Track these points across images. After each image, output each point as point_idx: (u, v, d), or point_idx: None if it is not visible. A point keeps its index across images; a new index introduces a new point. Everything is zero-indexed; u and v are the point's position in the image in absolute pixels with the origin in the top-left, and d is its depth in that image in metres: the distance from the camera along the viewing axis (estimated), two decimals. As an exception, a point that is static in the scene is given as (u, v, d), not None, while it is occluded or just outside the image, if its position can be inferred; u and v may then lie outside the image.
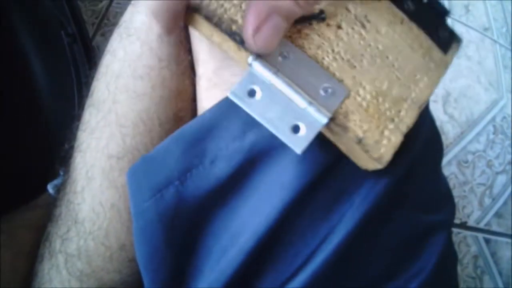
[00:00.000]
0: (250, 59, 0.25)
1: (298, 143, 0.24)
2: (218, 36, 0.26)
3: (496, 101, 0.92)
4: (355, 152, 0.27)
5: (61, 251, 0.35)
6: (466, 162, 0.85)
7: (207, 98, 0.33)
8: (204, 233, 0.29)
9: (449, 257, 0.35)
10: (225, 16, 0.26)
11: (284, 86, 0.25)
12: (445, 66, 0.31)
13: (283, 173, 0.28)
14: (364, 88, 0.27)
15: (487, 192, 0.86)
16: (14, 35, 0.52)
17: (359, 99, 0.27)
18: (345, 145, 0.27)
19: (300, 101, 0.25)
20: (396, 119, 0.27)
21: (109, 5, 0.72)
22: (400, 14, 0.30)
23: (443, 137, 0.83)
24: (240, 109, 0.25)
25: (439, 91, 0.86)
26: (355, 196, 0.28)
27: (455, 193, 0.83)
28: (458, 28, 0.94)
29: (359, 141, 0.26)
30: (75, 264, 0.34)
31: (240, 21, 0.26)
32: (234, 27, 0.26)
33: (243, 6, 0.26)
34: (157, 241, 0.29)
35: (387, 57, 0.28)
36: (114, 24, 0.40)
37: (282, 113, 0.25)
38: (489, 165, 0.88)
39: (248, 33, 0.23)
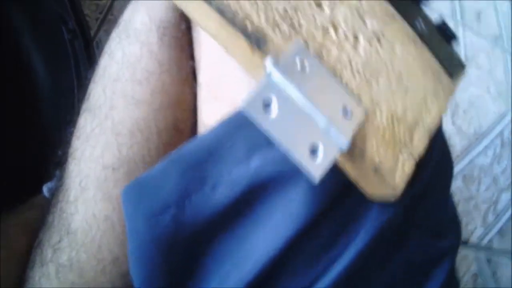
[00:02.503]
0: (269, 65, 0.22)
1: (315, 169, 0.22)
2: (228, 34, 0.23)
3: (504, 114, 0.90)
4: (368, 179, 0.24)
5: (53, 261, 0.34)
6: (472, 176, 0.82)
7: (206, 112, 0.31)
8: (204, 258, 0.28)
9: (452, 284, 0.35)
10: (240, 12, 0.23)
11: (304, 102, 0.22)
12: (451, 91, 0.30)
13: (291, 203, 0.26)
14: (381, 110, 0.25)
15: (491, 208, 0.84)
16: (14, 30, 0.50)
17: (376, 122, 0.25)
18: (358, 171, 0.24)
19: (320, 121, 0.22)
20: (410, 146, 0.26)
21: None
22: (413, 35, 0.30)
23: (451, 150, 0.80)
24: (245, 130, 0.23)
25: (448, 101, 0.83)
26: (361, 225, 0.27)
27: (459, 208, 0.80)
28: (469, 36, 0.90)
29: (376, 169, 0.24)
30: (66, 276, 0.33)
31: (256, 19, 0.23)
32: (249, 26, 0.23)
33: (260, 3, 0.24)
34: (152, 265, 0.27)
35: (402, 79, 0.27)
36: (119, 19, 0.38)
37: (300, 133, 0.22)
38: (494, 181, 0.85)
39: None
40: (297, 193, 0.26)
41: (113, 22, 0.37)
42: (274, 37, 0.23)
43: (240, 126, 0.26)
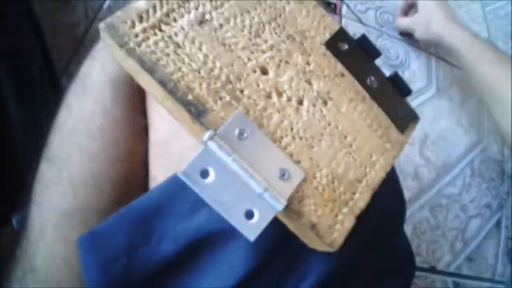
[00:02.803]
0: (206, 137, 0.23)
1: (251, 230, 0.23)
2: (171, 104, 0.25)
3: (476, 143, 0.92)
4: (307, 235, 0.26)
5: None
6: (440, 206, 0.85)
7: (156, 166, 0.33)
8: None
9: None
10: (182, 82, 0.24)
11: (240, 170, 0.23)
12: (400, 146, 0.30)
13: (232, 255, 0.28)
14: (321, 171, 0.26)
15: (459, 236, 0.86)
16: None
17: (315, 183, 0.26)
18: (297, 228, 0.26)
19: (255, 186, 0.24)
20: (350, 203, 0.27)
21: (87, 31, 0.71)
22: (363, 91, 0.30)
23: (417, 182, 0.82)
24: (190, 189, 0.23)
25: (417, 134, 0.85)
26: (304, 273, 0.28)
27: (426, 237, 0.82)
28: (442, 67, 0.93)
29: (313, 227, 0.25)
30: None
31: (197, 89, 0.25)
32: (190, 97, 0.24)
33: (202, 72, 0.25)
34: None
35: (346, 138, 0.28)
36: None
37: (236, 198, 0.24)
38: (463, 209, 0.87)
39: None
40: (238, 246, 0.28)
41: (86, 53, 0.39)
42: (215, 107, 0.24)
43: (184, 184, 0.28)
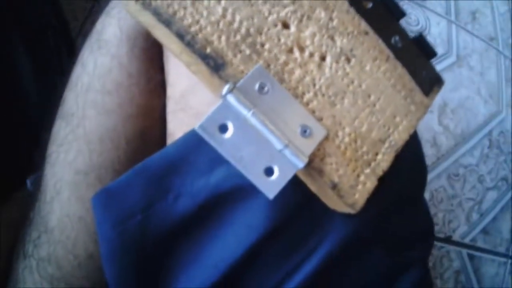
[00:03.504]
0: (225, 90, 0.22)
1: (270, 188, 0.23)
2: (188, 57, 0.24)
3: (494, 115, 0.90)
4: (328, 195, 0.25)
5: (33, 255, 0.35)
6: (457, 175, 0.83)
7: (173, 122, 0.32)
8: (170, 263, 0.29)
9: None
10: (200, 35, 0.24)
11: (259, 125, 0.23)
12: (425, 109, 0.30)
13: (252, 215, 0.27)
14: (343, 129, 0.26)
15: (476, 207, 0.85)
16: (3, 32, 0.50)
17: (337, 141, 0.25)
18: (317, 187, 0.25)
19: (276, 142, 0.23)
20: (373, 163, 0.26)
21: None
22: (387, 50, 0.29)
23: (435, 149, 0.81)
24: (209, 144, 0.23)
25: (436, 101, 0.83)
26: (326, 234, 0.28)
27: (442, 206, 0.81)
28: (462, 36, 0.91)
29: (334, 186, 0.24)
30: (46, 269, 0.35)
31: (216, 42, 0.24)
32: (208, 50, 0.23)
33: (221, 25, 0.24)
34: (122, 268, 0.29)
35: (369, 97, 0.27)
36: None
37: (255, 154, 0.23)
38: (480, 180, 0.86)
39: None
40: (257, 205, 0.27)
41: (100, 11, 0.38)
42: (234, 60, 0.24)
43: (203, 139, 0.27)
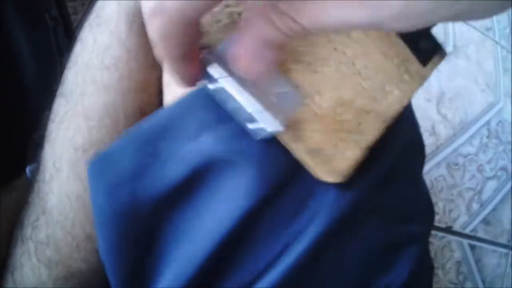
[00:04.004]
0: (204, 55, 0.23)
1: (256, 133, 0.23)
2: None
3: (492, 104, 0.90)
4: (309, 162, 0.25)
5: (31, 238, 0.35)
6: (457, 164, 0.83)
7: (167, 94, 0.32)
8: (162, 233, 0.29)
9: (423, 272, 0.34)
10: None
11: (234, 92, 0.23)
12: (421, 79, 0.28)
13: (243, 180, 0.26)
14: (322, 96, 0.25)
15: (476, 197, 0.84)
16: (0, 16, 0.50)
17: (315, 107, 0.25)
18: (299, 153, 0.25)
19: (251, 108, 0.23)
20: (355, 133, 0.25)
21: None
22: None
23: (434, 138, 0.80)
24: (196, 110, 0.24)
25: (434, 90, 0.83)
26: (320, 205, 0.27)
27: (442, 195, 0.81)
28: (459, 26, 0.91)
29: (311, 151, 0.24)
30: (44, 252, 0.35)
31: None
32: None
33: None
34: (114, 237, 0.28)
35: (354, 64, 0.26)
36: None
37: (237, 111, 0.23)
38: (479, 169, 0.85)
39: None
40: (246, 170, 0.26)
41: None
42: (211, 30, 0.24)
43: (192, 105, 0.27)
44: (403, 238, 0.32)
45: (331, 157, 0.25)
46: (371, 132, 0.26)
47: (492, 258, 0.85)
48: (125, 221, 0.28)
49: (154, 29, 0.18)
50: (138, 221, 0.28)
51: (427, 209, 0.37)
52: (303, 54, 0.25)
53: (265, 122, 0.23)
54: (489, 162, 0.86)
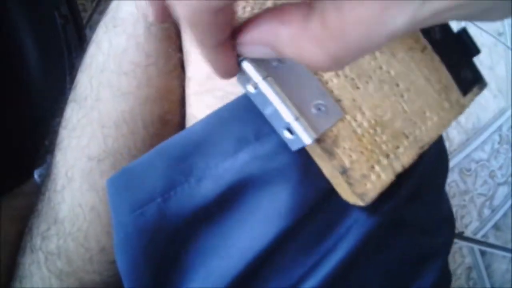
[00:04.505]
0: (240, 58, 0.22)
1: (293, 143, 0.23)
2: None
3: (504, 110, 0.89)
4: (338, 181, 0.24)
5: (41, 249, 0.34)
6: (469, 170, 0.82)
7: (197, 105, 0.30)
8: (188, 251, 0.28)
9: (444, 280, 0.34)
10: None
11: (271, 94, 0.22)
12: (460, 108, 0.28)
13: (278, 200, 0.26)
14: (363, 113, 0.24)
15: (487, 203, 0.84)
16: (6, 13, 0.50)
17: (354, 125, 0.24)
18: (330, 172, 0.24)
19: (286, 114, 0.22)
20: (391, 155, 0.24)
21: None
22: (424, 41, 0.27)
23: (448, 144, 0.80)
24: (234, 123, 0.23)
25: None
26: (350, 224, 0.27)
27: (455, 201, 0.80)
28: (471, 31, 0.90)
29: (344, 171, 0.23)
30: (55, 263, 0.33)
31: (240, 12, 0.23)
32: None
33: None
34: (137, 255, 0.27)
35: (397, 85, 0.25)
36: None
37: (274, 116, 0.23)
38: (491, 175, 0.85)
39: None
40: (285, 189, 0.25)
41: (109, 3, 0.36)
42: (243, 17, 0.23)
43: (229, 119, 0.26)
44: (428, 250, 0.32)
45: (363, 180, 0.24)
46: (407, 157, 0.25)
47: (502, 264, 0.84)
48: (150, 239, 0.27)
49: (181, 17, 0.16)
50: (163, 239, 0.27)
51: (449, 220, 0.36)
52: (346, 69, 0.24)
53: (299, 132, 0.22)
54: (500, 168, 0.86)
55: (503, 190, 0.86)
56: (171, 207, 0.26)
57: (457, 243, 0.81)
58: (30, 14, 0.50)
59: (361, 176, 0.23)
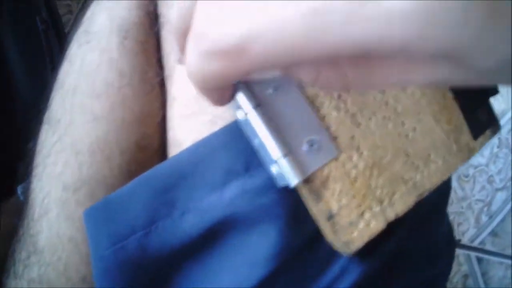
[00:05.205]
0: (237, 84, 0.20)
1: (279, 178, 0.21)
2: None
3: (504, 112, 0.87)
4: (323, 225, 0.22)
5: (23, 277, 0.33)
6: (467, 176, 0.80)
7: (181, 129, 0.28)
8: (169, 285, 0.26)
9: None
10: None
11: (260, 126, 0.19)
12: (469, 153, 0.25)
13: (266, 241, 0.24)
14: (360, 153, 0.22)
15: (485, 209, 0.82)
16: None
17: (349, 165, 0.22)
18: (315, 213, 0.22)
19: (273, 150, 0.20)
20: (385, 202, 0.22)
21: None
22: None
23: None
24: (223, 153, 0.22)
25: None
26: (347, 263, 0.25)
27: (452, 208, 0.78)
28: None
29: (330, 217, 0.21)
30: None
31: None
32: None
33: None
34: (116, 286, 0.26)
35: (403, 124, 0.23)
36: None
37: (261, 151, 0.20)
38: (489, 180, 0.83)
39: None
40: (273, 229, 0.24)
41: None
42: None
43: (218, 149, 0.24)
44: (430, 279, 0.31)
45: (350, 227, 0.21)
46: (403, 205, 0.23)
47: (499, 270, 0.83)
48: (130, 273, 0.25)
49: (187, 72, 0.15)
50: (144, 274, 0.26)
51: (450, 242, 0.35)
52: (348, 102, 0.22)
53: (286, 170, 0.20)
54: (499, 172, 0.84)
55: (501, 196, 0.84)
56: (153, 241, 0.25)
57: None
58: (12, 20, 0.49)
59: (348, 223, 0.21)
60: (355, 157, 0.22)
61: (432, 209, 0.30)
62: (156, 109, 0.32)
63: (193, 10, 0.14)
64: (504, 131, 0.86)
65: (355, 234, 0.21)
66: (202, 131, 0.25)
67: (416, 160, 0.23)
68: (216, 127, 0.25)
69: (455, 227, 0.79)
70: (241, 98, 0.19)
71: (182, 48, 0.17)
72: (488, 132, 0.26)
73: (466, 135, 0.25)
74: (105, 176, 0.31)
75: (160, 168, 0.25)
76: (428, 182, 0.23)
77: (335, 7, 0.11)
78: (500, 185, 0.84)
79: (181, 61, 0.18)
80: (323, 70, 0.15)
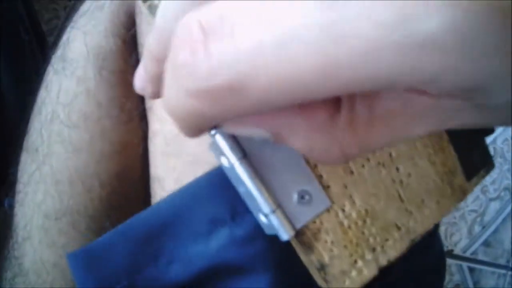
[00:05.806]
0: (213, 130, 0.18)
1: (269, 228, 0.20)
2: None
3: (499, 121, 0.87)
4: (315, 274, 0.21)
5: None
6: (461, 186, 0.80)
7: (163, 166, 0.28)
8: None
9: None
10: None
11: (247, 179, 0.18)
12: (462, 195, 0.25)
13: None
14: (353, 202, 0.21)
15: (478, 219, 0.82)
16: None
17: (341, 215, 0.21)
18: (306, 263, 0.21)
19: (262, 204, 0.19)
20: (378, 249, 0.22)
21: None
22: None
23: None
24: (208, 201, 0.21)
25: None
26: None
27: (445, 219, 0.78)
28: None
29: (321, 268, 0.20)
30: None
31: None
32: None
33: None
34: None
35: (397, 169, 0.22)
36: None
37: (248, 200, 0.19)
38: (483, 190, 0.83)
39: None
40: (262, 279, 0.23)
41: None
42: None
43: (202, 197, 0.23)
44: None
45: (342, 276, 0.21)
46: (396, 251, 0.22)
47: (491, 280, 0.83)
48: None
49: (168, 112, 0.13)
50: None
51: (440, 260, 0.35)
52: None
53: (275, 225, 0.19)
54: (493, 182, 0.84)
55: (494, 206, 0.84)
56: None
57: (446, 261, 0.79)
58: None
59: (340, 272, 0.21)
60: (347, 207, 0.21)
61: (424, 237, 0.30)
62: (136, 140, 0.31)
63: (175, 31, 0.11)
64: (499, 141, 0.86)
65: (347, 282, 0.21)
66: (183, 171, 0.25)
67: (410, 205, 0.22)
68: (198, 168, 0.24)
69: (447, 237, 0.79)
70: (225, 147, 0.18)
71: (155, 78, 0.15)
72: (482, 172, 0.26)
73: (460, 177, 0.24)
74: (86, 207, 0.30)
75: (141, 217, 0.25)
76: (421, 227, 0.23)
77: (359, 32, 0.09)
78: (494, 195, 0.84)
79: (154, 95, 0.17)
80: (316, 137, 0.14)
